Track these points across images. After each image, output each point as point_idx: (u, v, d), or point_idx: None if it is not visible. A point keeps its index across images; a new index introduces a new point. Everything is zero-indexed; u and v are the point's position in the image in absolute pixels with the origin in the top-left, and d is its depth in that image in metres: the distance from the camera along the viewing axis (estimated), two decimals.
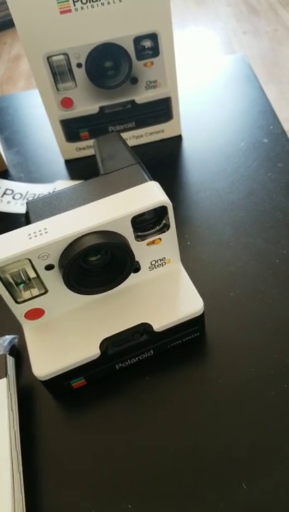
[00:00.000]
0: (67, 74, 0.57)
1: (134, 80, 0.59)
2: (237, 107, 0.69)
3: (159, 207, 0.38)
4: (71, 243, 0.36)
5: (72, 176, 0.64)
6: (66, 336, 0.40)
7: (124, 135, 0.63)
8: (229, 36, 2.04)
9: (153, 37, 0.56)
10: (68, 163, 0.66)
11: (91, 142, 0.64)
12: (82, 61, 0.56)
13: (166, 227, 0.40)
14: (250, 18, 2.16)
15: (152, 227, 0.40)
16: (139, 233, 0.39)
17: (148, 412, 0.41)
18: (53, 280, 0.38)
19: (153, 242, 0.40)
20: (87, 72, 0.57)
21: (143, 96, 0.61)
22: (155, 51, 0.57)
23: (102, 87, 0.59)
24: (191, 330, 0.43)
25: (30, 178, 0.65)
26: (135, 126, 0.64)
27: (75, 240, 0.36)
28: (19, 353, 0.45)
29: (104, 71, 0.58)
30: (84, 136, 0.64)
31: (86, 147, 0.65)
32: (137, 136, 0.65)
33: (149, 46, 0.56)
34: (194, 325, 0.42)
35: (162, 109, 0.63)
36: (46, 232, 0.36)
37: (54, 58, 0.55)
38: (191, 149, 0.65)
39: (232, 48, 1.97)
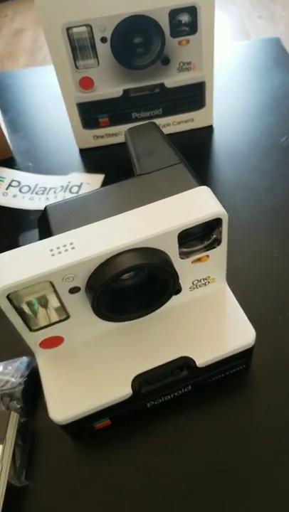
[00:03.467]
0: (88, 49, 0.49)
1: (166, 61, 0.51)
2: (273, 97, 0.62)
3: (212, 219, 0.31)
4: (104, 263, 0.29)
5: (88, 168, 0.57)
6: (90, 369, 0.33)
7: None
8: (244, 20, 1.94)
9: (192, 10, 0.48)
10: (84, 152, 0.58)
11: (111, 130, 0.56)
12: (108, 35, 0.48)
13: (217, 242, 0.33)
14: (266, 2, 2.06)
15: (200, 242, 0.33)
16: (184, 249, 0.32)
17: (181, 457, 0.34)
18: (78, 304, 0.31)
19: (199, 260, 0.33)
20: (112, 49, 0.49)
21: (174, 79, 0.53)
22: (193, 27, 0.49)
23: (129, 67, 0.51)
24: (237, 362, 0.36)
25: (40, 168, 0.57)
26: (162, 114, 0.56)
27: (109, 259, 0.29)
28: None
29: (132, 48, 0.50)
30: (103, 123, 0.56)
31: (105, 135, 0.57)
32: (164, 125, 0.57)
33: (187, 21, 0.48)
34: (242, 357, 0.35)
35: (194, 96, 0.55)
36: (73, 248, 0.29)
37: (75, 30, 0.47)
38: (224, 142, 0.57)
39: (247, 33, 1.87)
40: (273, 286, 0.42)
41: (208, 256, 0.33)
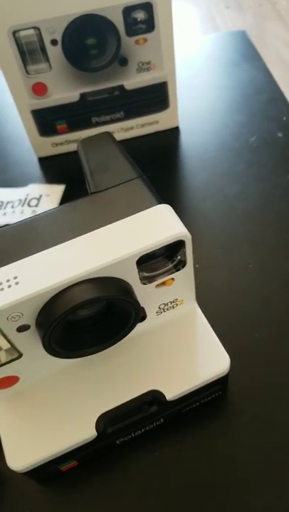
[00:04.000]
0: (39, 53, 0.45)
1: (124, 61, 0.48)
2: (243, 93, 0.59)
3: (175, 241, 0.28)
4: (54, 297, 0.26)
5: (49, 178, 0.53)
6: (49, 410, 0.30)
7: (110, 127, 0.53)
8: (211, 12, 1.90)
9: (147, 7, 0.44)
10: (43, 161, 0.55)
11: (70, 136, 0.53)
12: (58, 37, 0.45)
13: (182, 263, 0.30)
14: None
15: (163, 266, 0.30)
16: (146, 274, 0.29)
17: (157, 495, 0.32)
18: (29, 342, 0.28)
19: (164, 284, 0.30)
20: (64, 51, 0.46)
21: (134, 80, 0.49)
22: (149, 25, 0.46)
23: (84, 70, 0.48)
24: (212, 390, 0.33)
25: None
26: (124, 117, 0.53)
27: (60, 292, 0.26)
28: None
29: (85, 50, 0.46)
30: (61, 130, 0.52)
31: (64, 142, 0.53)
32: (126, 129, 0.54)
33: (142, 19, 0.45)
34: (216, 385, 0.32)
35: (157, 97, 0.52)
36: (17, 283, 0.25)
37: (22, 33, 0.44)
38: (191, 144, 0.54)
39: (215, 24, 1.85)
40: (249, 299, 0.40)
41: (173, 279, 0.30)
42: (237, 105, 0.58)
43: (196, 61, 0.65)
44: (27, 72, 0.47)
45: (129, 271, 0.27)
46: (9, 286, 0.25)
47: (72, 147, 0.54)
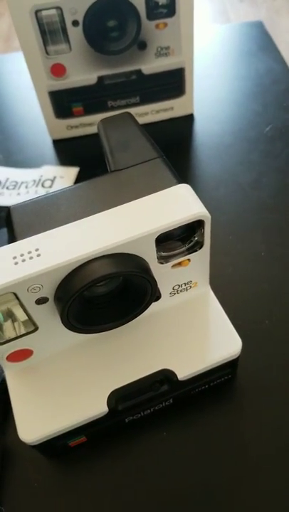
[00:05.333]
0: (60, 34, 0.45)
1: (143, 45, 0.48)
2: (259, 83, 0.59)
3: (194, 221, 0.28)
4: (73, 271, 0.26)
5: (63, 160, 0.53)
6: (61, 384, 0.31)
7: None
8: (225, 5, 1.89)
9: None
10: (58, 143, 0.55)
11: (86, 119, 0.53)
12: (80, 18, 0.44)
13: (199, 245, 0.30)
14: None
15: (180, 245, 0.30)
16: (163, 253, 0.29)
17: (164, 473, 0.32)
18: (46, 315, 0.28)
19: (180, 264, 0.31)
20: (84, 33, 0.46)
21: (152, 65, 0.49)
22: (171, 9, 0.46)
23: (103, 52, 0.47)
24: (222, 373, 0.33)
25: (11, 160, 0.54)
26: (140, 102, 0.53)
27: (79, 267, 0.26)
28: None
29: (106, 32, 0.46)
30: (77, 112, 0.52)
31: (80, 125, 0.53)
32: (141, 114, 0.54)
33: (164, 3, 0.45)
34: (227, 368, 0.33)
35: (174, 83, 0.52)
36: (38, 255, 0.26)
37: (44, 13, 0.44)
38: (206, 132, 0.54)
39: (228, 18, 1.83)
40: (260, 287, 0.40)
41: (189, 260, 0.30)
42: (252, 95, 0.58)
43: (212, 50, 0.64)
44: (47, 52, 0.47)
45: (148, 249, 0.28)
46: (31, 258, 0.25)
47: (88, 130, 0.54)
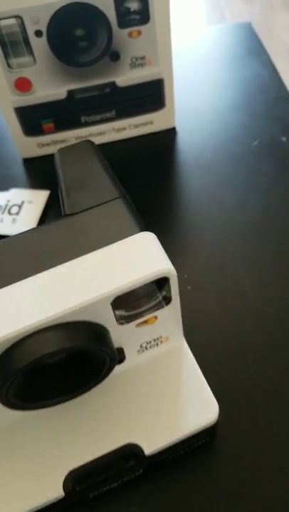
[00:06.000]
0: (21, 45, 0.41)
1: (115, 56, 0.43)
2: (246, 91, 0.54)
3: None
4: (12, 346, 0.22)
5: (33, 180, 0.49)
6: (8, 468, 0.26)
7: (101, 128, 0.48)
8: (218, 1, 1.83)
9: None
10: (28, 162, 0.50)
11: (58, 136, 0.49)
12: (43, 28, 0.40)
13: (166, 300, 0.26)
14: None
15: (144, 302, 0.26)
16: (124, 313, 0.25)
17: None
18: None
19: (146, 322, 0.26)
20: (49, 44, 0.41)
21: (127, 77, 0.45)
22: (144, 16, 0.41)
23: (71, 64, 0.43)
24: (198, 439, 0.29)
25: None
26: (116, 117, 0.48)
27: (18, 341, 0.22)
28: None
29: (73, 42, 0.42)
30: (48, 129, 0.48)
31: (51, 142, 0.49)
32: (118, 129, 0.50)
33: (136, 9, 0.41)
34: (203, 434, 0.29)
35: (152, 95, 0.47)
36: None
37: (2, 23, 0.39)
38: (188, 147, 0.50)
39: (222, 14, 1.78)
40: (247, 331, 0.36)
41: (156, 317, 0.26)
42: (239, 105, 0.53)
43: (195, 55, 0.60)
44: (9, 66, 0.42)
45: (104, 312, 0.24)
46: None
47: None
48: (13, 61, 0.42)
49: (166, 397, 0.28)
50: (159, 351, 0.29)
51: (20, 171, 0.50)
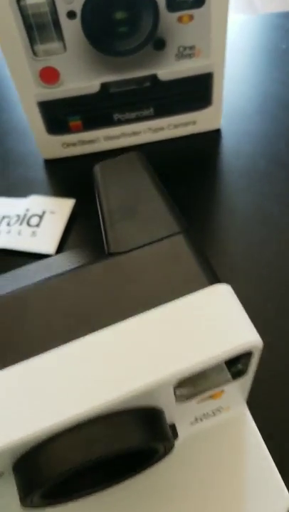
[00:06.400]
0: (50, 29, 0.35)
1: (160, 44, 0.37)
2: None
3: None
4: (40, 446, 0.16)
5: (55, 185, 0.43)
6: None
7: (136, 127, 0.42)
8: None
9: None
10: (50, 164, 0.44)
11: (85, 136, 0.42)
12: (77, 8, 0.34)
13: (240, 374, 0.20)
14: None
15: (215, 377, 0.20)
16: (187, 392, 0.19)
17: None
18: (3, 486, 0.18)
19: (210, 397, 0.20)
20: (83, 27, 0.35)
21: (171, 69, 0.38)
22: None
23: (108, 53, 0.37)
24: None
25: None
26: (154, 115, 0.42)
27: (49, 440, 0.16)
28: None
29: (112, 26, 0.35)
30: (75, 127, 0.42)
31: (78, 142, 0.43)
32: (155, 129, 0.43)
33: None
34: None
35: (198, 91, 0.41)
36: None
37: (29, 2, 0.33)
38: (235, 153, 0.43)
39: (251, 4, 1.69)
40: None
41: (223, 391, 0.20)
42: None
43: (233, 46, 0.53)
44: (34, 53, 0.36)
45: (162, 394, 0.17)
46: None
47: (87, 149, 0.43)
48: (40, 47, 0.36)
49: (227, 477, 0.22)
50: (217, 422, 0.23)
51: (41, 173, 0.44)
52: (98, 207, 0.22)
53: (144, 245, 0.20)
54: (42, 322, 0.18)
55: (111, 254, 0.20)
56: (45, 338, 0.17)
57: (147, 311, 0.18)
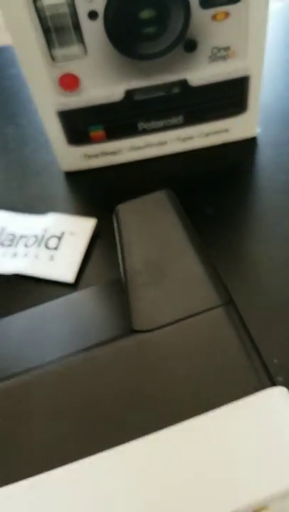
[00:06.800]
0: (70, 31, 0.31)
1: (191, 45, 0.33)
2: None
3: None
4: None
5: (76, 202, 0.39)
6: None
7: (163, 136, 0.38)
8: None
9: None
10: (71, 177, 0.41)
11: (107, 147, 0.39)
12: (100, 8, 0.30)
13: None
14: None
15: None
16: None
17: None
18: None
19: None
20: (106, 29, 0.31)
21: (203, 73, 0.35)
22: None
23: (133, 56, 0.33)
24: None
25: (6, 200, 0.40)
26: (183, 123, 0.38)
27: None
28: None
29: (138, 27, 0.32)
30: (97, 138, 0.38)
31: (100, 154, 0.39)
32: (184, 139, 0.39)
33: None
34: None
35: (232, 96, 0.37)
36: None
37: (46, 3, 0.30)
38: (272, 164, 0.39)
39: None
40: None
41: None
42: None
43: (277, 39, 0.49)
44: (52, 58, 0.32)
45: None
46: None
47: (110, 160, 0.40)
48: (58, 52, 0.32)
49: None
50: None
51: (60, 187, 0.40)
52: (119, 259, 0.18)
53: (175, 322, 0.16)
54: (49, 428, 0.14)
55: (133, 331, 0.16)
56: (54, 450, 0.13)
57: (185, 421, 0.14)
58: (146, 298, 0.16)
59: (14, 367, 0.16)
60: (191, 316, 0.16)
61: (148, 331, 0.16)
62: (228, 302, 0.16)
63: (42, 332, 0.18)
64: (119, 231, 0.19)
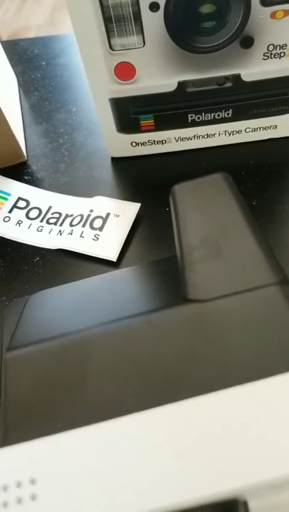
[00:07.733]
0: (130, 22, 0.32)
1: (248, 42, 0.33)
2: None
3: None
4: None
5: (122, 186, 0.41)
6: None
7: (211, 129, 0.39)
8: None
9: None
10: (118, 162, 0.42)
11: (156, 136, 0.40)
12: (161, 0, 0.31)
13: None
14: None
15: None
16: None
17: None
18: None
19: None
20: (166, 21, 0.32)
21: (257, 69, 0.35)
22: None
23: (190, 50, 0.34)
24: None
25: (57, 181, 0.42)
26: (232, 117, 0.39)
27: None
28: None
29: (197, 21, 0.32)
30: (147, 126, 0.39)
31: (147, 142, 0.40)
32: (232, 133, 0.40)
33: None
34: None
35: (283, 93, 0.37)
36: (34, 499, 0.14)
37: None
38: None
39: None
40: None
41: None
42: None
43: None
44: (111, 47, 0.33)
45: None
46: (19, 502, 0.13)
47: (157, 149, 0.41)
48: (117, 41, 0.33)
49: None
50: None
51: (107, 171, 0.42)
52: (175, 236, 0.19)
53: (231, 294, 0.17)
54: (106, 382, 0.15)
55: (188, 300, 0.17)
56: (111, 404, 0.15)
57: (239, 386, 0.15)
58: (203, 270, 0.17)
59: (63, 330, 0.17)
60: (246, 290, 0.17)
61: (202, 301, 0.17)
62: (284, 281, 0.17)
63: (89, 302, 0.20)
64: (176, 209, 0.20)
